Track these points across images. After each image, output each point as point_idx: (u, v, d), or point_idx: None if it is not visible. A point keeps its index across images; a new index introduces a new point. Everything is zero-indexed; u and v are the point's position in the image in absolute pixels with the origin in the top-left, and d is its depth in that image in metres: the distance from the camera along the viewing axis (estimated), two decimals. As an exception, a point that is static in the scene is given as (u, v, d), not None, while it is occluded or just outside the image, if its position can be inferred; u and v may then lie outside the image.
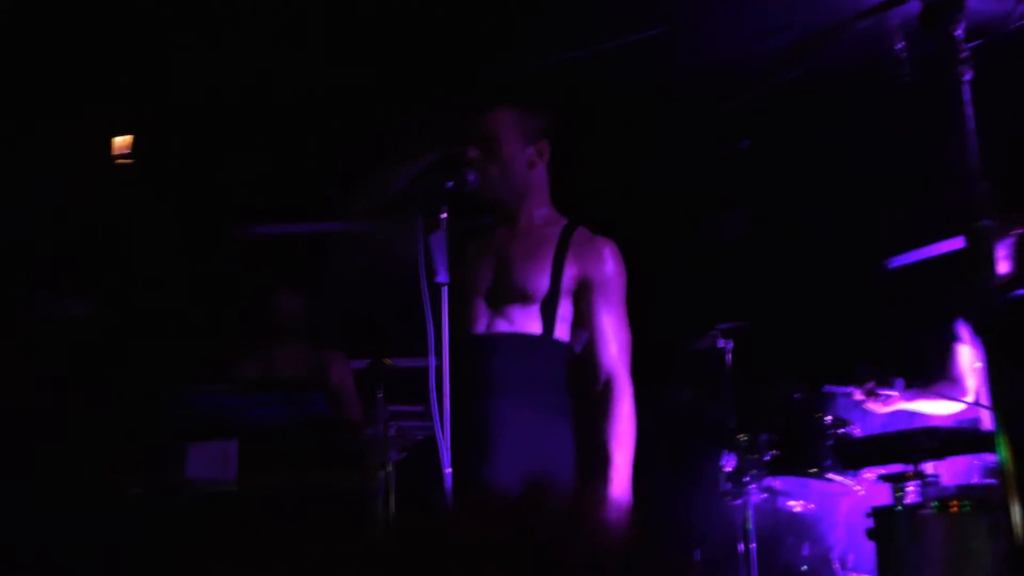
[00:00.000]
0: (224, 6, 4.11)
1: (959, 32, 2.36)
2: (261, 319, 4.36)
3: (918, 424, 3.99)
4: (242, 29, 4.22)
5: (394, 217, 2.87)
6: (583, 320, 2.97)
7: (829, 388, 4.18)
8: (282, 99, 4.58)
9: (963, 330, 4.01)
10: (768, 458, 4.03)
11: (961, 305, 4.00)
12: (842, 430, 3.96)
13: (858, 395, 4.09)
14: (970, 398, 3.99)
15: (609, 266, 2.97)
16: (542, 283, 2.94)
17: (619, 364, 2.93)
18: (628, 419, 2.90)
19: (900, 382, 4.02)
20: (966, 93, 2.37)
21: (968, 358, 4.01)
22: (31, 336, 3.90)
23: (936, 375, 4.10)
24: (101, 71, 4.35)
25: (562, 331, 2.98)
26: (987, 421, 3.80)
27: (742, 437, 4.10)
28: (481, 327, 2.97)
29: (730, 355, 4.36)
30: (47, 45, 4.21)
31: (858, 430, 4.02)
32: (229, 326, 4.46)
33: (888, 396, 4.04)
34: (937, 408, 4.07)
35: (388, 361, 3.42)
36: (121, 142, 4.44)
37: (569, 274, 2.95)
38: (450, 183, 2.82)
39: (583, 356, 2.99)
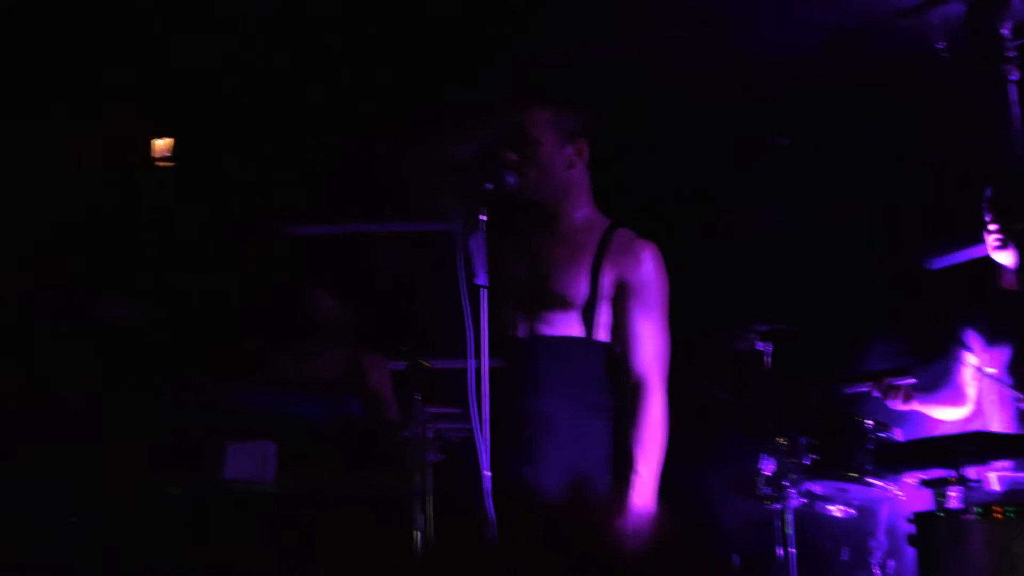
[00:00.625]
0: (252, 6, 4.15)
1: (1006, 31, 2.35)
2: (299, 319, 4.35)
3: (929, 427, 4.00)
4: (269, 28, 4.27)
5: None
6: (619, 324, 2.98)
7: (849, 390, 4.15)
8: (322, 97, 4.60)
9: (971, 338, 3.98)
10: (808, 462, 3.98)
11: (970, 312, 3.97)
12: (883, 434, 3.90)
13: (876, 393, 4.06)
14: (969, 407, 3.97)
15: (647, 270, 2.97)
16: (581, 289, 2.95)
17: (652, 370, 2.93)
18: (656, 426, 2.89)
19: (910, 376, 4.02)
20: (1012, 92, 2.36)
21: (972, 367, 3.99)
22: (71, 336, 3.96)
23: (940, 381, 4.08)
24: (135, 68, 4.38)
25: (603, 333, 3.00)
26: (995, 429, 3.80)
27: (781, 440, 4.04)
28: (522, 331, 2.99)
29: (769, 357, 4.26)
30: (76, 43, 4.25)
31: (899, 434, 3.97)
32: (267, 326, 4.44)
33: (905, 387, 4.01)
34: (944, 413, 4.07)
35: (426, 363, 3.45)
36: (162, 144, 4.48)
37: (608, 279, 2.97)
38: (489, 185, 2.84)
39: (618, 360, 3.00)
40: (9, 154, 4.29)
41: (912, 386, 4.03)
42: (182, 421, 3.42)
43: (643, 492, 2.85)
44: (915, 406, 4.07)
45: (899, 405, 4.06)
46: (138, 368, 3.95)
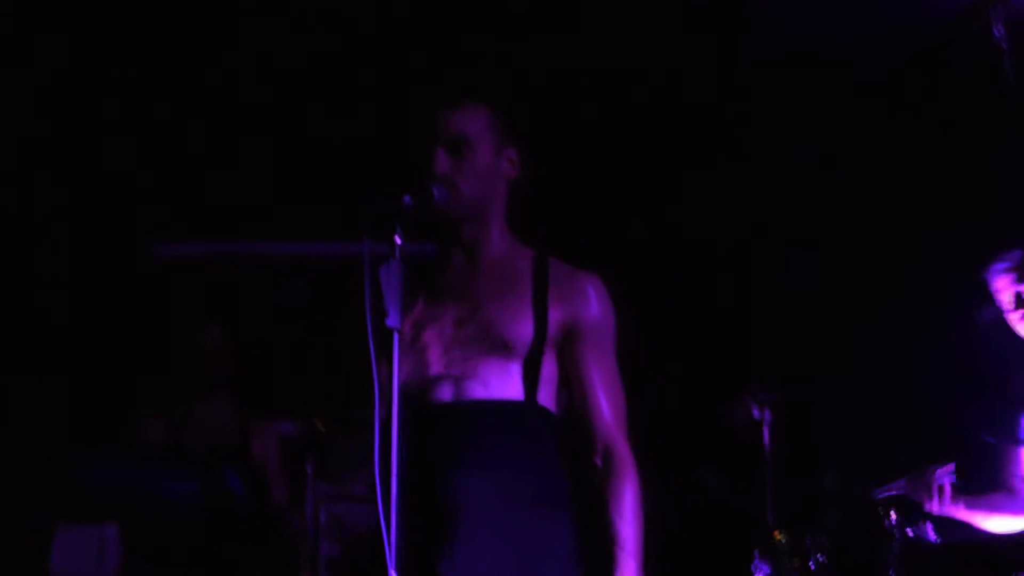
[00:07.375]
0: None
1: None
2: (176, 363, 4.21)
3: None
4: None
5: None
6: (570, 377, 2.86)
7: (883, 493, 4.09)
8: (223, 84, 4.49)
9: None
10: (814, 566, 3.96)
11: None
12: (913, 531, 3.87)
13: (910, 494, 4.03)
14: None
15: (597, 308, 2.87)
16: (524, 331, 2.82)
17: (617, 431, 2.81)
18: (639, 503, 2.77)
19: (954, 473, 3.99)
20: None
21: None
22: None
23: (991, 483, 4.05)
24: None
25: (547, 395, 2.86)
26: None
27: (780, 538, 4.04)
28: (446, 393, 2.84)
29: (768, 429, 4.29)
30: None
31: (931, 531, 3.91)
32: (133, 371, 4.27)
33: (949, 487, 4.01)
34: (997, 524, 4.01)
35: (321, 426, 3.31)
36: None
37: (554, 319, 2.83)
38: (407, 198, 2.65)
39: (573, 424, 2.86)
40: None
41: (956, 485, 3.99)
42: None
43: None
44: (960, 513, 4.00)
45: (937, 508, 3.99)
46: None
